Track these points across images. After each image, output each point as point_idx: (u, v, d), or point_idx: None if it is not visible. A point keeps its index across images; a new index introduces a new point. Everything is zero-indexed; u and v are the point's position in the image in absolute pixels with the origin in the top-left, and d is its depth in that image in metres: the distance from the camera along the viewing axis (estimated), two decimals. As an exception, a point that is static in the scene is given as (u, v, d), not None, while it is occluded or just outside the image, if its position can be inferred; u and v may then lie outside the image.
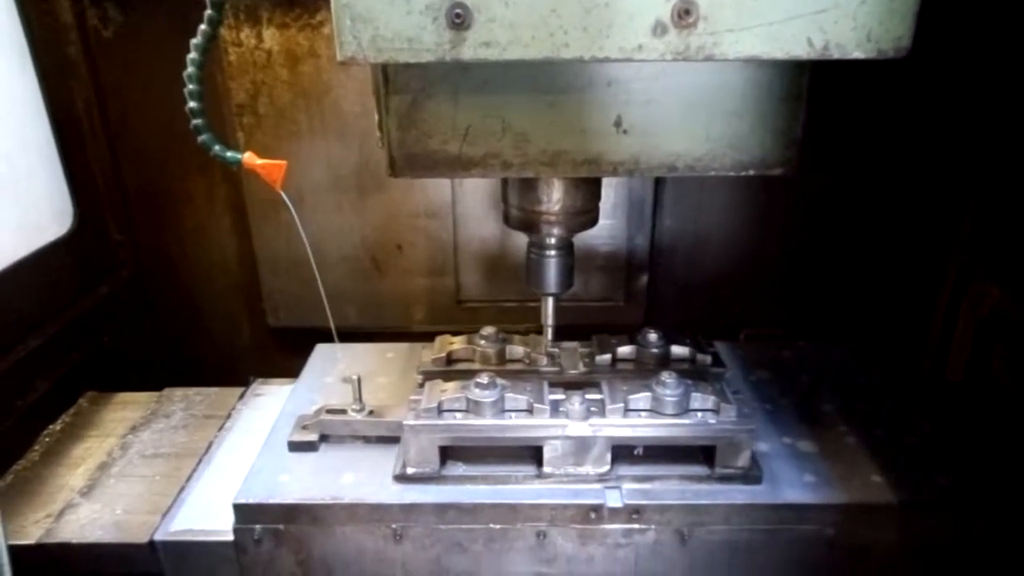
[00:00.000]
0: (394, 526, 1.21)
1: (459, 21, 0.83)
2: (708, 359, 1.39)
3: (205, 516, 1.29)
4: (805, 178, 1.85)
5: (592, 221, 1.32)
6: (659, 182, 1.92)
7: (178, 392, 1.67)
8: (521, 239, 1.93)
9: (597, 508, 1.20)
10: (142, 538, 1.27)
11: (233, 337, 2.08)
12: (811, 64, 1.04)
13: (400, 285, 2.01)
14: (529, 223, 1.29)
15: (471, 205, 1.94)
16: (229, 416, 1.58)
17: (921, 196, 1.88)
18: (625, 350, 1.41)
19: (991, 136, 1.67)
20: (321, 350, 1.66)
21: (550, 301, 1.39)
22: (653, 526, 1.20)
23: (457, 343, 1.45)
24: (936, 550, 1.21)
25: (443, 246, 1.98)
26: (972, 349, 1.81)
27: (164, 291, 2.02)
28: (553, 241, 1.31)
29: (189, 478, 1.40)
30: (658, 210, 1.95)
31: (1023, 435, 1.47)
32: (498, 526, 1.21)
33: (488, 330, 1.44)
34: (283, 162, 1.38)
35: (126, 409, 1.64)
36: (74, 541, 1.28)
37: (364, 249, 1.98)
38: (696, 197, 1.94)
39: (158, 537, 1.27)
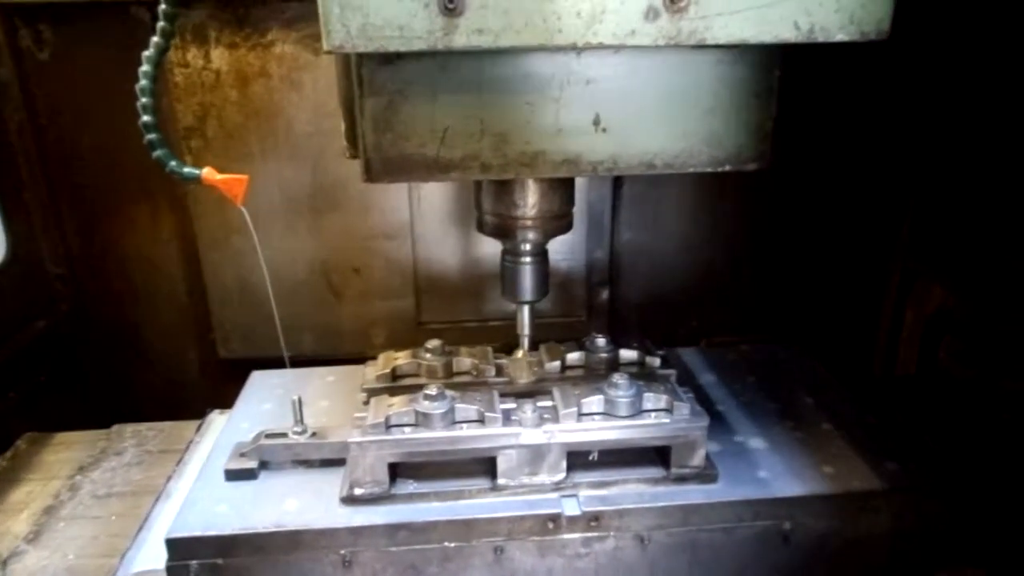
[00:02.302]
0: (343, 552, 1.15)
1: (451, 7, 0.81)
2: (657, 361, 1.39)
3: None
4: (755, 188, 1.93)
5: (567, 226, 1.32)
6: (616, 196, 1.94)
7: (128, 428, 1.58)
8: (482, 257, 1.95)
9: (555, 518, 1.17)
10: (100, 583, 1.17)
11: (182, 370, 1.98)
12: (781, 59, 1.07)
13: (359, 309, 1.96)
14: (504, 229, 1.28)
15: (430, 225, 1.92)
16: (187, 449, 1.48)
17: (863, 202, 1.96)
18: (574, 356, 1.39)
19: (927, 141, 1.76)
20: (257, 377, 1.60)
21: (526, 310, 1.38)
22: (612, 532, 1.18)
23: (402, 358, 1.40)
24: (889, 535, 1.23)
25: (402, 268, 1.95)
26: (920, 345, 1.89)
27: (107, 325, 1.92)
28: (528, 247, 1.30)
29: (148, 516, 1.31)
30: (616, 224, 1.97)
31: (977, 422, 1.52)
32: (453, 544, 1.16)
33: (434, 343, 1.40)
34: (244, 176, 1.34)
35: (71, 449, 1.53)
36: (22, 591, 1.17)
37: (320, 273, 1.92)
38: (652, 209, 1.97)
39: (118, 580, 1.17)
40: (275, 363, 1.62)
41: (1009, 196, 1.51)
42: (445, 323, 2.00)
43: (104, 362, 1.95)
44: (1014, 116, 1.46)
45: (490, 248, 1.93)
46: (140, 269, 1.91)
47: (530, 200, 1.24)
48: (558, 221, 1.28)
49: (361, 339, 1.98)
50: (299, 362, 1.71)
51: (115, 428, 1.58)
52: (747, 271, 2.04)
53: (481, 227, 1.32)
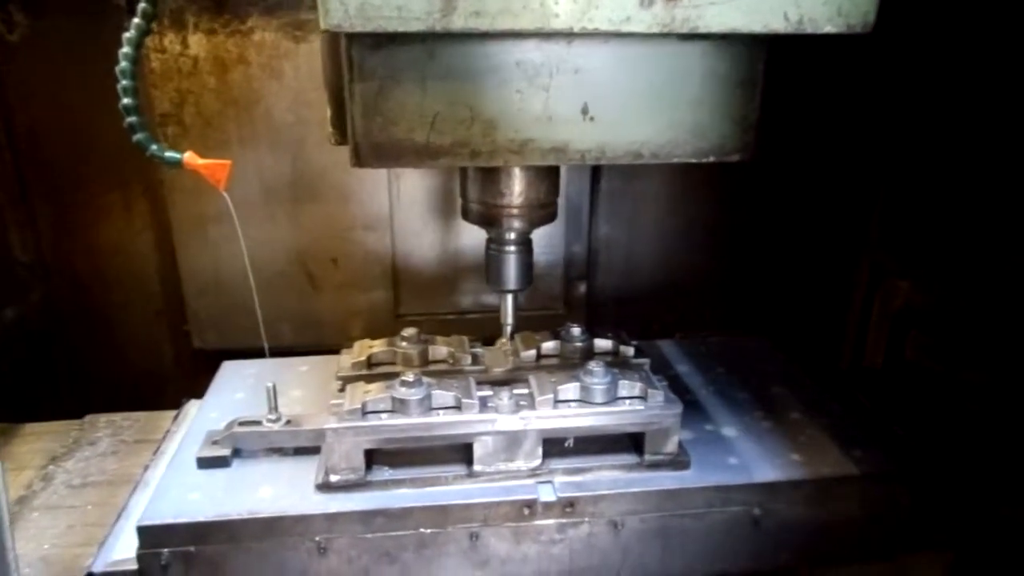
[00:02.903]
0: (318, 539, 1.15)
1: (450, -11, 0.82)
2: (631, 350, 1.42)
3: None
4: (731, 184, 1.97)
5: (551, 215, 1.33)
6: (594, 190, 1.96)
7: (102, 418, 1.55)
8: (461, 249, 1.96)
9: (530, 504, 1.18)
10: (76, 572, 1.14)
11: (155, 361, 1.95)
12: (766, 52, 1.10)
13: (337, 300, 1.95)
14: (490, 217, 1.29)
15: (409, 217, 1.92)
16: (164, 439, 1.46)
17: (834, 198, 2.01)
18: (549, 345, 1.41)
19: (896, 139, 1.81)
20: (228, 367, 1.59)
21: (509, 299, 1.39)
22: (587, 518, 1.20)
23: (377, 346, 1.41)
24: (857, 519, 1.27)
25: (381, 259, 1.94)
26: (888, 338, 1.93)
27: (78, 315, 1.88)
28: (513, 236, 1.31)
29: (125, 506, 1.28)
30: (594, 218, 1.99)
31: (942, 412, 1.57)
32: (429, 530, 1.17)
33: (409, 331, 1.41)
34: (227, 161, 1.32)
35: (41, 440, 1.50)
36: (-5, 582, 1.14)
37: (298, 264, 1.91)
38: (629, 203, 1.99)
39: (97, 569, 1.15)
40: (250, 354, 1.61)
41: (973, 194, 1.56)
42: (423, 315, 2.00)
43: (75, 353, 1.91)
44: (981, 116, 1.51)
45: (469, 240, 1.94)
46: (113, 258, 1.87)
47: (516, 188, 1.25)
48: (543, 210, 1.30)
49: (339, 330, 1.97)
50: (276, 352, 1.69)
51: (88, 418, 1.55)
52: (722, 266, 2.07)
53: (466, 215, 1.32)
